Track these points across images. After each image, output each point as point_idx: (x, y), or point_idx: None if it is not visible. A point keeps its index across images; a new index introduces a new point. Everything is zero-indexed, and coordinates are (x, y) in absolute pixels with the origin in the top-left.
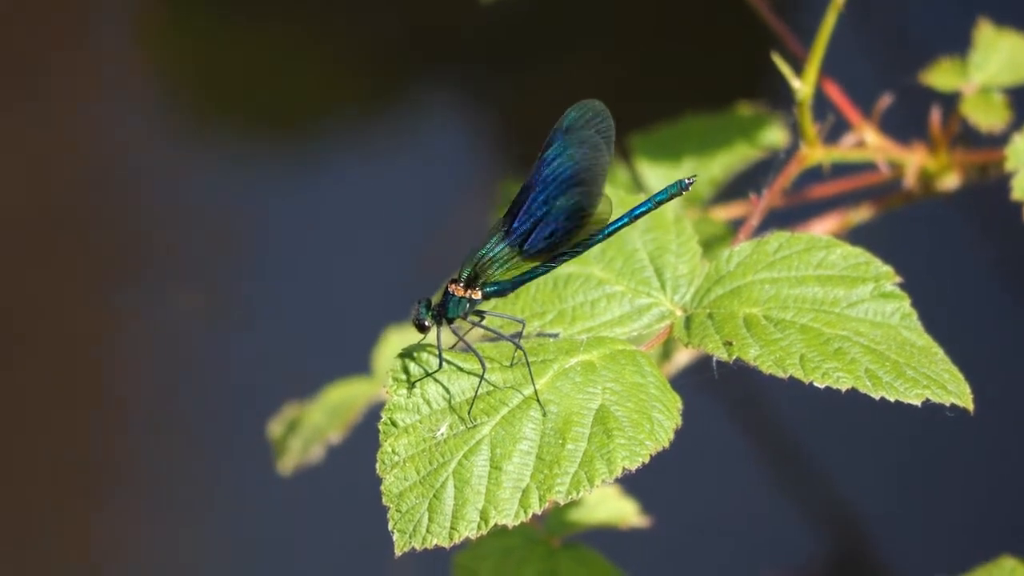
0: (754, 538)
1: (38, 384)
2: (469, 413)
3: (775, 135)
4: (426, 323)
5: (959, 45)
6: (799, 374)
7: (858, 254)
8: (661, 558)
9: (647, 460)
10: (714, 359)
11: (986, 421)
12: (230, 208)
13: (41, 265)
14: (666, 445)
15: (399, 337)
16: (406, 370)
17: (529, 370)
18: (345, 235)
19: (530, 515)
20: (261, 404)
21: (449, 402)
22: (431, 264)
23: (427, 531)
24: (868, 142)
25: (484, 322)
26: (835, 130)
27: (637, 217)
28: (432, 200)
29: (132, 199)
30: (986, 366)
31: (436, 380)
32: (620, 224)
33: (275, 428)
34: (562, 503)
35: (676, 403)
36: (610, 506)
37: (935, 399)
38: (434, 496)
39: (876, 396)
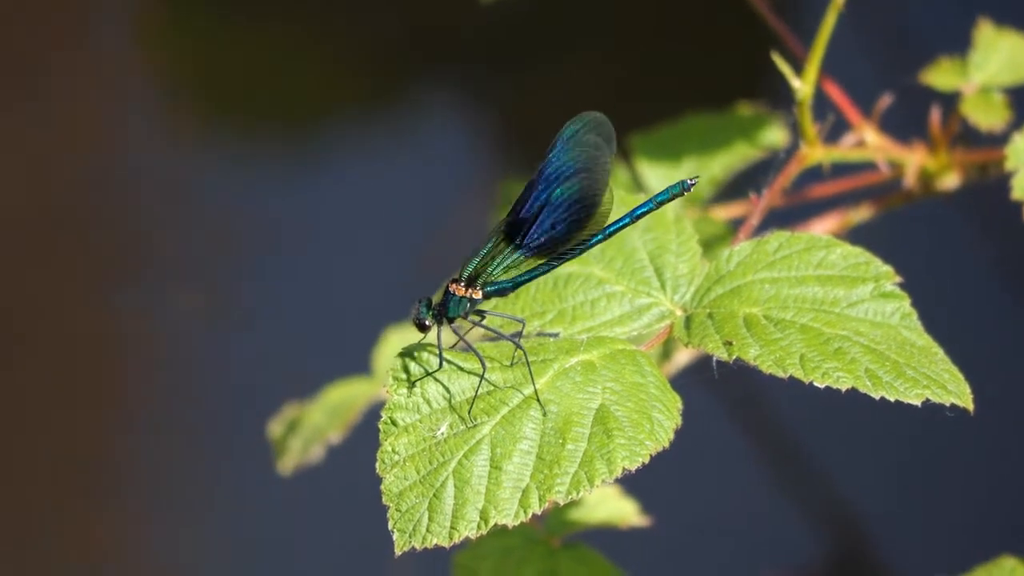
0: (754, 538)
1: (38, 384)
2: (469, 412)
3: (775, 135)
4: (426, 322)
5: (959, 45)
6: (799, 374)
7: (858, 254)
8: (661, 558)
9: (647, 460)
10: (714, 359)
11: (986, 421)
12: (230, 208)
13: (41, 265)
14: (666, 445)
15: (399, 337)
16: (406, 369)
17: (529, 370)
18: (345, 235)
19: (530, 515)
20: (261, 404)
21: (449, 401)
22: (431, 264)
23: (427, 531)
24: (868, 142)
25: (484, 322)
26: (835, 130)
27: (638, 217)
28: (432, 200)
29: (132, 199)
30: (986, 366)
31: (436, 379)
32: (621, 224)
33: (275, 428)
34: (562, 503)
35: (676, 403)
36: (610, 506)
37: (935, 399)
38: (434, 496)
39: (876, 396)
